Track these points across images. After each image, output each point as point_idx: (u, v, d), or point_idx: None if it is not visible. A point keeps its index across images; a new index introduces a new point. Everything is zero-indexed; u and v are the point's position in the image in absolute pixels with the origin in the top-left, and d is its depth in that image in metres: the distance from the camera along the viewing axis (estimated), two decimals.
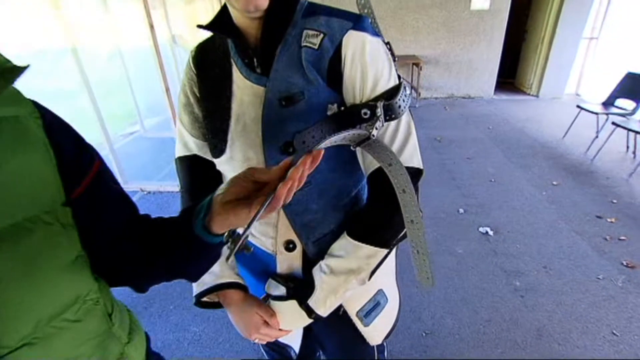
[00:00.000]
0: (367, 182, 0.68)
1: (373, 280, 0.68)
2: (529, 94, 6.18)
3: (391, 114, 0.57)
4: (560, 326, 1.78)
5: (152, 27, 2.48)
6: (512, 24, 5.60)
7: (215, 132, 0.66)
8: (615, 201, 2.85)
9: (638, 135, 3.44)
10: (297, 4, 0.60)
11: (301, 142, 0.59)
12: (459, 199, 2.97)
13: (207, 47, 0.69)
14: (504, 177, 3.33)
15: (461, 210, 2.80)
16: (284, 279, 0.72)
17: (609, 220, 2.59)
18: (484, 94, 6.13)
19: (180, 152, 0.75)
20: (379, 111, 0.57)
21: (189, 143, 0.73)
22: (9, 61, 0.35)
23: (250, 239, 0.74)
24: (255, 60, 0.62)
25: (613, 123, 3.35)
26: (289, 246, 0.71)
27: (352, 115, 0.58)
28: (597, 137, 3.76)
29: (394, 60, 0.63)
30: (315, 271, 0.68)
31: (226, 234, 0.46)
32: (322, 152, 0.42)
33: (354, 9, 0.64)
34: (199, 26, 0.61)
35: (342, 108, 0.60)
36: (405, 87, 0.60)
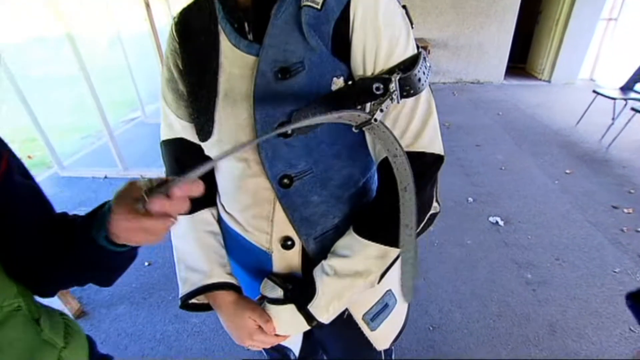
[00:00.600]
0: (377, 171, 0.59)
1: (382, 280, 0.60)
2: (540, 79, 5.97)
3: (409, 89, 0.47)
4: (574, 322, 1.70)
5: (147, 5, 2.36)
6: (524, 6, 5.36)
7: (201, 112, 0.57)
8: (632, 191, 2.73)
9: None
10: None
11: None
12: (468, 187, 2.87)
13: (192, 12, 0.59)
14: (515, 165, 3.22)
15: (470, 199, 2.70)
16: (281, 280, 0.63)
17: (625, 211, 2.48)
18: (494, 79, 5.94)
19: (164, 134, 0.66)
20: (393, 86, 0.47)
21: (174, 124, 0.64)
22: None
23: (242, 232, 0.65)
24: (246, 24, 0.52)
25: (632, 109, 3.20)
26: (287, 243, 0.62)
27: (362, 91, 0.48)
28: (613, 123, 3.62)
29: (411, 27, 0.53)
30: (317, 272, 0.59)
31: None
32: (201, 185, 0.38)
33: None
34: None
35: (350, 82, 0.51)
36: (425, 58, 0.50)
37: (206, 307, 0.68)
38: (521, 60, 6.46)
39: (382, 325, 0.70)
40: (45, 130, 3.07)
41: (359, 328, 0.69)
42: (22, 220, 0.44)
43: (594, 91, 3.73)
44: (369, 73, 0.50)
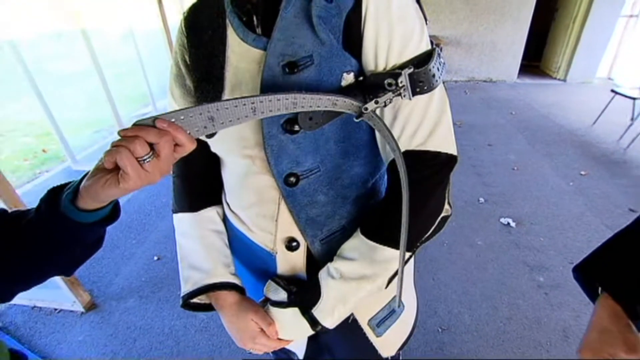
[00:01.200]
0: (387, 171, 0.57)
1: (389, 285, 0.58)
2: (555, 78, 5.84)
3: (423, 84, 0.45)
4: None
5: (160, 2, 2.37)
6: (540, 3, 5.23)
7: None
8: None
9: None
10: None
11: (307, 119, 0.48)
12: (479, 187, 2.82)
13: (200, 6, 0.57)
14: (527, 165, 3.15)
15: (481, 200, 2.65)
16: (285, 282, 0.62)
17: None
18: (507, 78, 5.83)
19: None
20: (403, 81, 0.45)
21: None
22: None
23: (246, 232, 0.64)
24: (255, 18, 0.50)
25: None
26: (291, 244, 0.60)
27: (373, 87, 0.47)
28: (632, 124, 3.50)
29: (425, 22, 0.51)
30: (322, 275, 0.58)
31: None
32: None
33: None
34: None
35: (361, 78, 0.49)
36: (439, 54, 0.48)
37: (208, 308, 0.67)
38: (536, 59, 6.32)
39: (388, 331, 0.68)
40: (59, 125, 3.13)
41: (364, 334, 0.67)
42: None
43: (612, 90, 3.62)
44: (380, 68, 0.48)
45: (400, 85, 0.45)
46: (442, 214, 0.57)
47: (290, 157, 0.53)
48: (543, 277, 1.95)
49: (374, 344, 0.68)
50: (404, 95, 0.46)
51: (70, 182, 0.43)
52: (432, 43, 0.50)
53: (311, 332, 0.59)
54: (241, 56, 0.52)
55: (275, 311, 0.60)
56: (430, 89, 0.46)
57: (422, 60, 0.47)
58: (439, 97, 0.50)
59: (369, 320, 0.66)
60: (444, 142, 0.51)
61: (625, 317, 0.53)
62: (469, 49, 5.66)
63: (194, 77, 0.57)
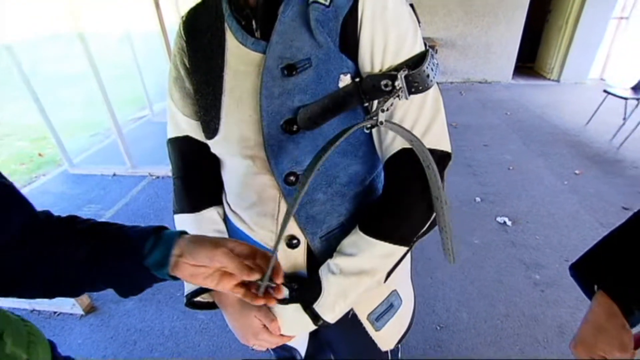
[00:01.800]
0: (383, 169, 0.59)
1: (387, 280, 0.60)
2: (549, 79, 5.90)
3: (418, 84, 0.47)
4: None
5: (157, 6, 2.39)
6: (533, 4, 5.29)
7: (207, 109, 0.57)
8: None
9: None
10: None
11: (306, 119, 0.50)
12: (475, 187, 2.85)
13: (199, 10, 0.59)
14: (523, 165, 3.18)
15: (478, 199, 2.68)
16: (286, 279, 0.63)
17: None
18: (502, 79, 5.88)
19: (171, 133, 0.66)
20: (399, 82, 0.47)
21: (180, 123, 0.64)
22: None
23: (247, 231, 0.66)
24: (253, 22, 0.52)
25: None
26: (291, 242, 0.62)
27: (370, 88, 0.48)
28: (624, 123, 3.55)
29: (419, 25, 0.53)
30: (323, 271, 0.59)
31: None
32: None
33: None
34: None
35: (357, 79, 0.51)
36: (433, 55, 0.50)
37: (211, 306, 0.68)
38: (529, 60, 6.38)
39: (387, 325, 0.70)
40: (55, 128, 3.12)
41: (364, 328, 0.68)
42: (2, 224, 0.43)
43: (605, 91, 3.67)
44: (376, 69, 0.50)
45: (397, 87, 0.47)
46: None
47: (290, 156, 0.55)
48: (539, 275, 1.97)
49: (373, 338, 0.69)
50: (401, 97, 0.48)
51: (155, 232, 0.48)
52: (425, 45, 0.52)
53: (313, 327, 0.60)
54: (240, 59, 0.54)
55: (277, 307, 0.61)
56: (425, 89, 0.48)
57: (417, 61, 0.48)
58: (433, 96, 0.52)
59: (368, 315, 0.67)
60: (439, 140, 0.53)
61: (622, 316, 0.54)
62: (464, 50, 5.71)
63: (193, 80, 0.59)
